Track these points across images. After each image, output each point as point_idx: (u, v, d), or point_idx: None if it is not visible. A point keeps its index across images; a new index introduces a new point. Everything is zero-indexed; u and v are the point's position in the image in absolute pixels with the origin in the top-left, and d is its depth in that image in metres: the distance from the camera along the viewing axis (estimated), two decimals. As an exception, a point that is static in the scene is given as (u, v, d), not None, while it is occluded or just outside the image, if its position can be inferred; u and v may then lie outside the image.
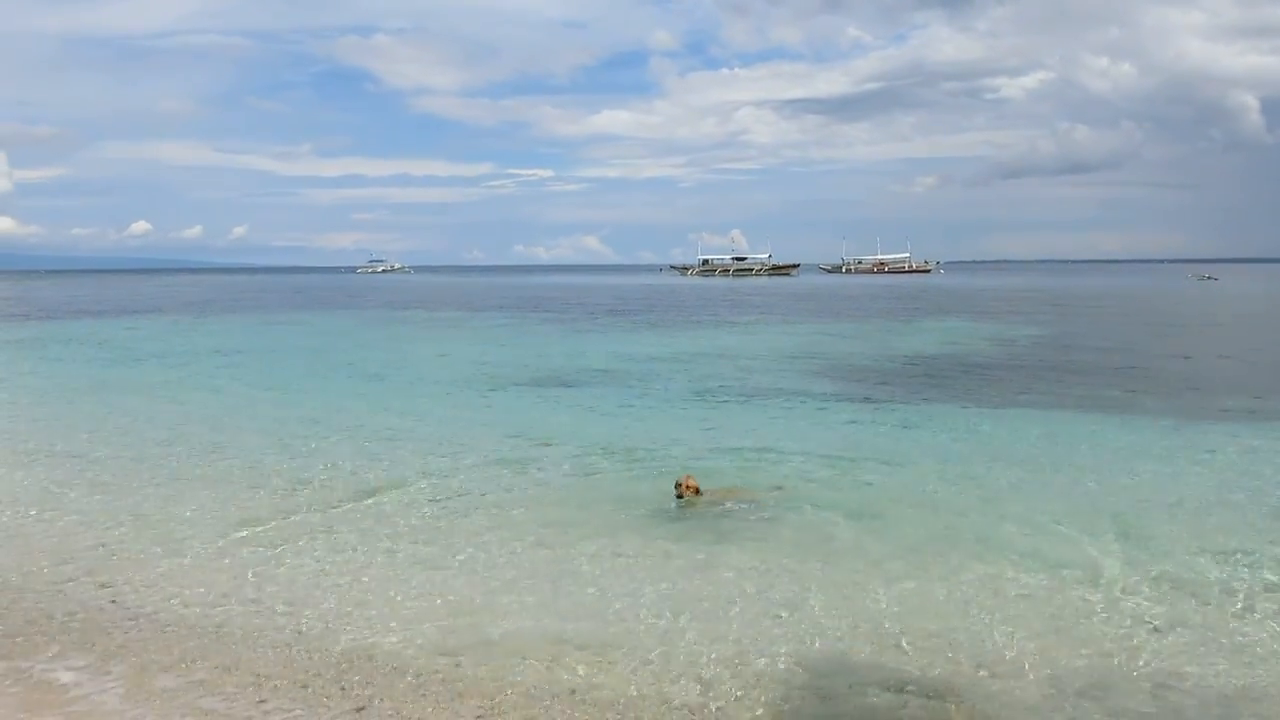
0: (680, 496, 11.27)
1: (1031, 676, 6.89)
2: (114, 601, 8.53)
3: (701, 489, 11.46)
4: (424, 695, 6.65)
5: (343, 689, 6.73)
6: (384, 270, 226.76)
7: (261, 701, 6.49)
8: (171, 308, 65.95)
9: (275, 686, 6.75)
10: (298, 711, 6.36)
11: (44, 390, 23.25)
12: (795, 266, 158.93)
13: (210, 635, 7.75)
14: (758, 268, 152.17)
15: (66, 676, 6.93)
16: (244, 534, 10.44)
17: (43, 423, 18.00)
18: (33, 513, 11.41)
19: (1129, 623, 7.84)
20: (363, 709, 6.43)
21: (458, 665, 7.17)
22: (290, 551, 9.87)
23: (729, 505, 11.19)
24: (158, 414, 18.79)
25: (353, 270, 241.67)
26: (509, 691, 6.72)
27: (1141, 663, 7.12)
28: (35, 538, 10.45)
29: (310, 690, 6.71)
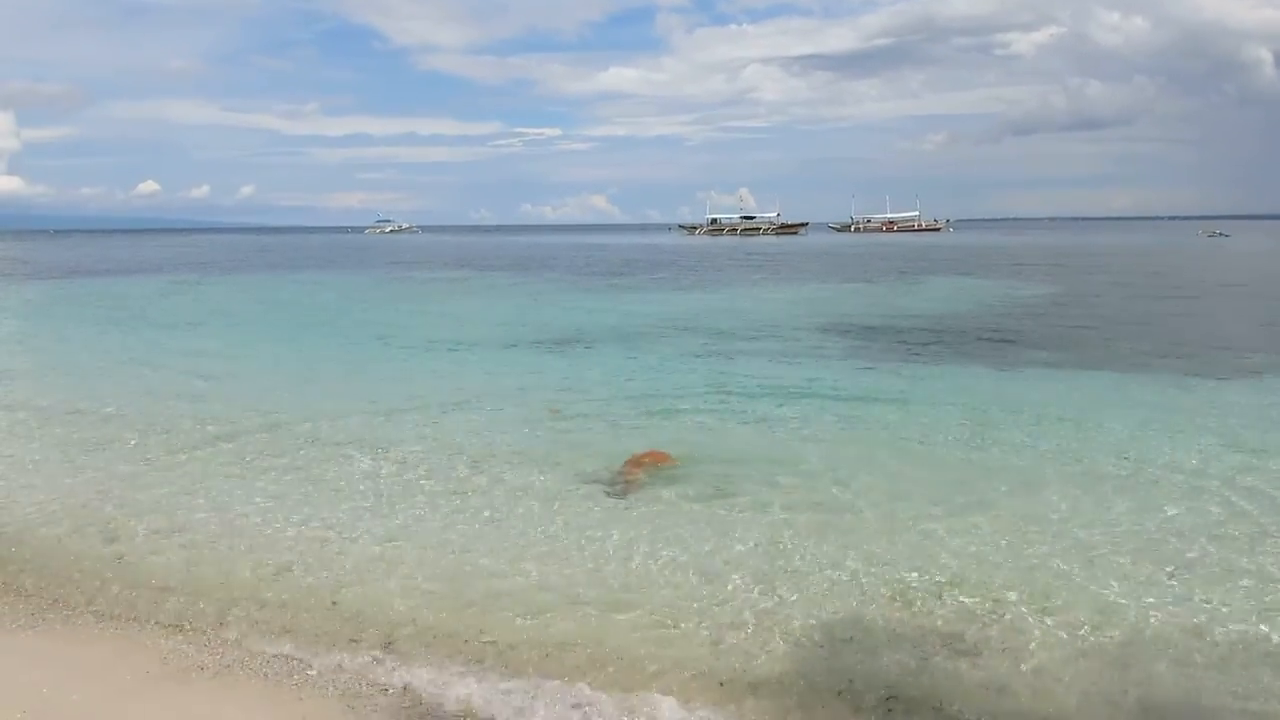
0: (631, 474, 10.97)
1: (1047, 634, 7.01)
2: (120, 559, 8.75)
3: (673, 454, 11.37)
4: (448, 635, 6.96)
5: (370, 629, 7.11)
6: (392, 230, 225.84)
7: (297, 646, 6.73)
8: (179, 268, 65.99)
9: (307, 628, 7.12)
10: (336, 652, 6.72)
11: (50, 351, 23.41)
12: (803, 225, 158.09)
13: (243, 585, 7.97)
14: (765, 227, 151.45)
15: (99, 635, 7.14)
16: (250, 491, 10.64)
17: (50, 383, 18.14)
18: (34, 472, 11.63)
19: (1141, 576, 7.93)
20: (391, 644, 6.82)
21: (471, 613, 7.37)
22: (298, 506, 10.04)
23: (730, 464, 11.30)
24: (161, 375, 18.95)
25: (360, 230, 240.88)
26: (523, 639, 6.95)
27: (1158, 616, 7.21)
28: (35, 494, 10.64)
29: (339, 631, 7.07)
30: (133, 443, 12.94)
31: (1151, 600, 7.49)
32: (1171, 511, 9.53)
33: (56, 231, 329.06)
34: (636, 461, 11.25)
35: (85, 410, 15.07)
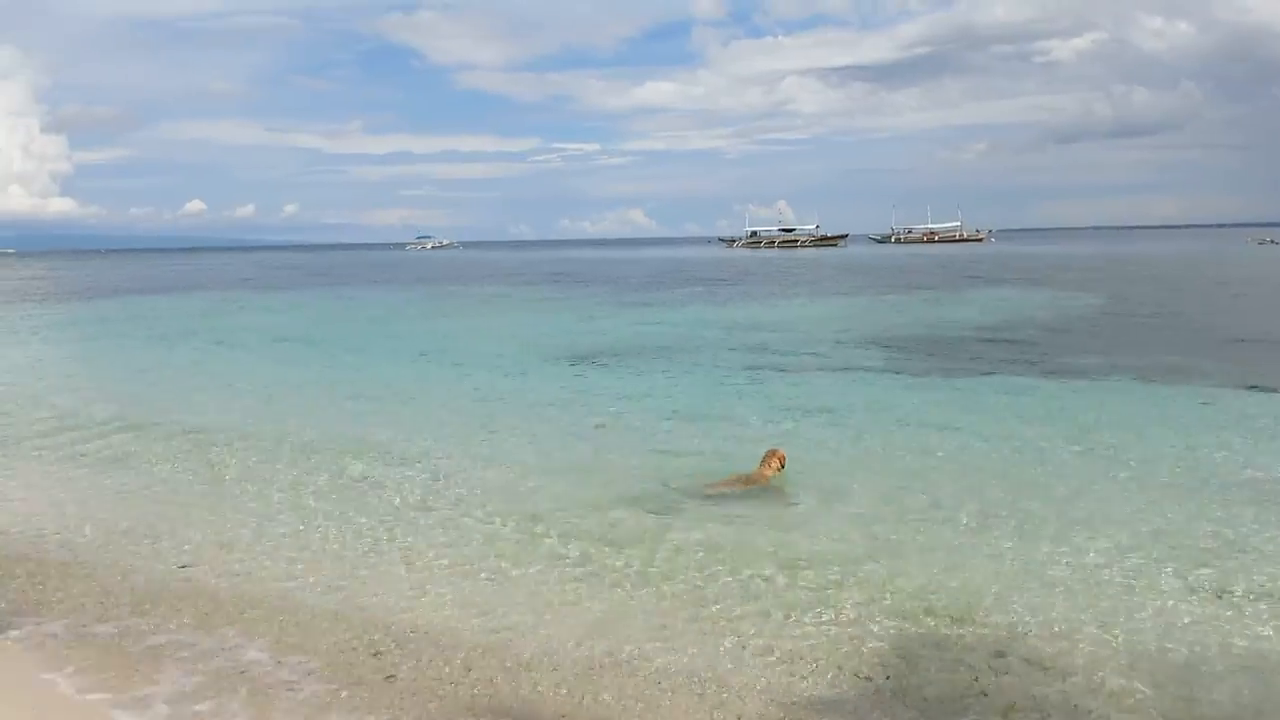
0: (781, 470, 11.09)
1: (1110, 650, 6.82)
2: (185, 567, 8.80)
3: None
4: (467, 667, 6.75)
5: (375, 655, 6.94)
6: (433, 246, 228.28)
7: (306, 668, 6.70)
8: (229, 286, 67.13)
9: (314, 651, 6.96)
10: (334, 681, 6.55)
11: (105, 366, 23.82)
12: (843, 237, 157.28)
13: (268, 605, 7.96)
14: (804, 239, 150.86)
15: (146, 642, 7.17)
16: (278, 510, 10.69)
17: (100, 398, 18.40)
18: (89, 488, 11.76)
19: (1202, 592, 7.72)
20: (392, 677, 6.59)
21: (501, 637, 7.26)
22: (327, 524, 10.05)
23: (778, 478, 11.17)
24: (216, 393, 19.21)
25: (402, 247, 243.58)
26: (554, 657, 6.82)
27: (1222, 634, 7.00)
28: (93, 510, 10.75)
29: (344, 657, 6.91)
30: (175, 459, 13.10)
31: (1214, 617, 7.27)
32: (1232, 524, 9.28)
33: (108, 251, 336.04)
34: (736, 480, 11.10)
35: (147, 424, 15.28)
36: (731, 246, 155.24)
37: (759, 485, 10.93)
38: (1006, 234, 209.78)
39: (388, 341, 28.38)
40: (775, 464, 11.19)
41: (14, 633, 7.36)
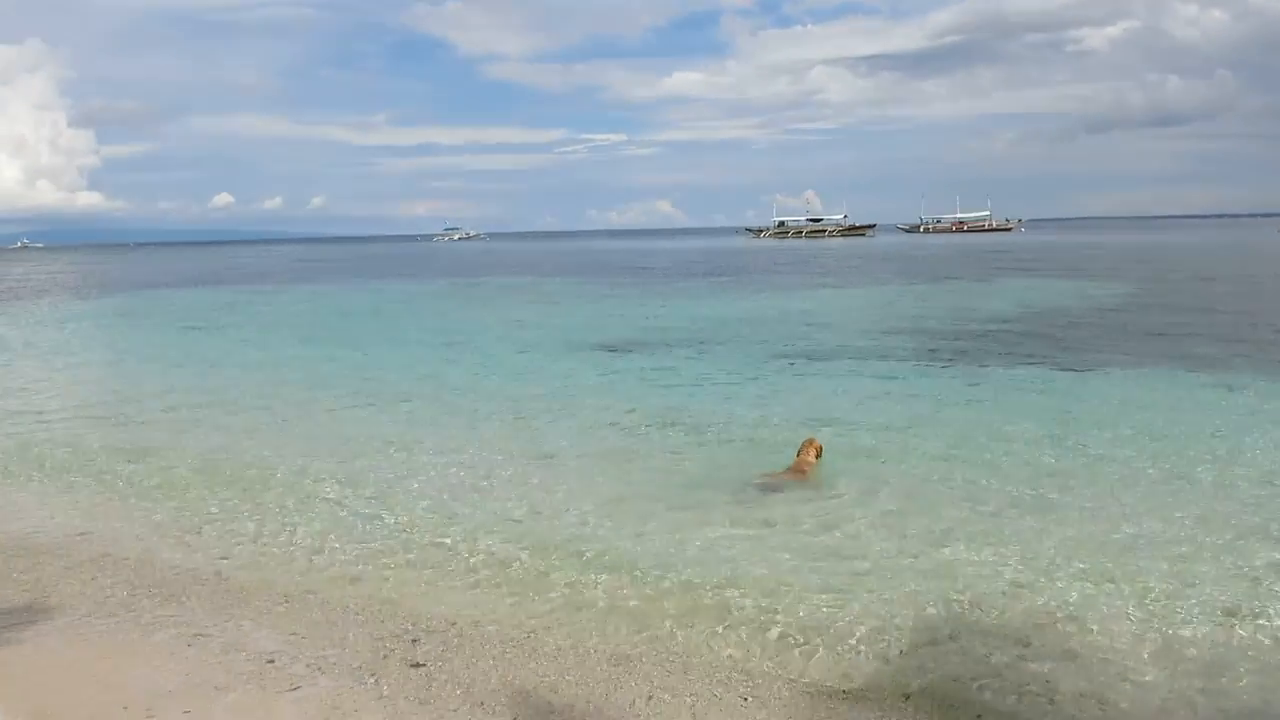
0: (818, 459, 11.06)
1: (1135, 643, 6.72)
2: (222, 557, 8.85)
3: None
4: (496, 657, 6.71)
5: (413, 642, 6.93)
6: (460, 238, 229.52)
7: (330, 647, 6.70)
8: (260, 279, 67.65)
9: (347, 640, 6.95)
10: (361, 669, 6.53)
11: (132, 361, 24.07)
12: (871, 227, 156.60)
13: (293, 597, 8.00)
14: (832, 229, 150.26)
15: (160, 635, 7.20)
16: (307, 505, 10.74)
17: (126, 394, 18.58)
18: (110, 479, 11.88)
19: (1231, 583, 7.57)
20: (420, 665, 6.55)
21: (529, 627, 7.25)
22: (357, 519, 10.06)
23: (808, 472, 11.09)
24: (243, 388, 19.36)
25: (429, 238, 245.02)
26: (582, 647, 6.80)
27: (1250, 626, 6.88)
28: (122, 504, 10.89)
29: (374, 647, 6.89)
30: (204, 454, 13.17)
31: (1244, 611, 7.12)
32: (1265, 517, 9.11)
33: (137, 245, 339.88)
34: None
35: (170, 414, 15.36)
36: (759, 237, 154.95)
37: (804, 475, 10.80)
38: (1037, 224, 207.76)
39: (418, 335, 28.40)
40: (813, 453, 11.12)
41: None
